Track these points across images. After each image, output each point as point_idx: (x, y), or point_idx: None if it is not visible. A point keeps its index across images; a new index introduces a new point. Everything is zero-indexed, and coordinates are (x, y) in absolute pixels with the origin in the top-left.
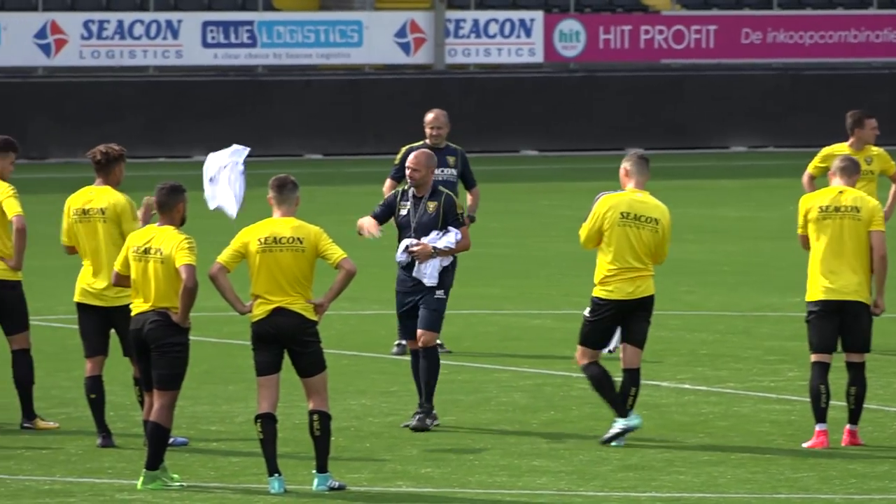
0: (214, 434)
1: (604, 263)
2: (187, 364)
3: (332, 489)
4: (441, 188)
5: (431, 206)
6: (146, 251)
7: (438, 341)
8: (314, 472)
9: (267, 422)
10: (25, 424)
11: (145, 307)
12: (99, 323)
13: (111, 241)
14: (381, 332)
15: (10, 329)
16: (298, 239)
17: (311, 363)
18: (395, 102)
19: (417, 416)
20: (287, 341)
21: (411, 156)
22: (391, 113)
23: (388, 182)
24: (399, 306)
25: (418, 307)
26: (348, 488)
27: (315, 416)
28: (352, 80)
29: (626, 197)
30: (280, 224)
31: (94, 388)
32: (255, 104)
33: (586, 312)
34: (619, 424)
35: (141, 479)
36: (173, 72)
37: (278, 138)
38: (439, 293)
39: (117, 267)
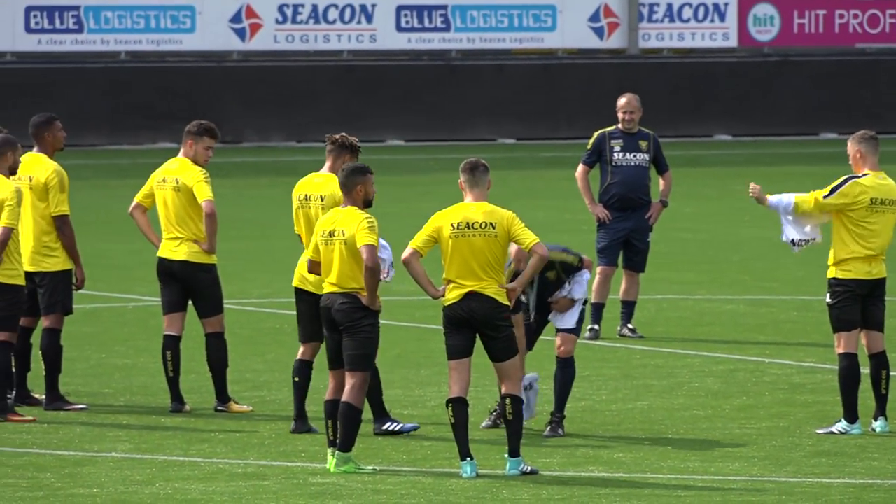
0: (407, 418)
1: (847, 244)
2: (377, 344)
3: (524, 473)
4: (554, 257)
5: (551, 274)
6: (331, 234)
7: (630, 326)
8: (506, 456)
9: (458, 406)
10: (219, 407)
11: (334, 288)
12: (313, 309)
13: None
14: None
15: (204, 312)
16: (491, 224)
17: (503, 348)
18: (588, 87)
19: (550, 427)
20: (480, 325)
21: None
22: (584, 97)
23: (580, 167)
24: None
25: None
26: (540, 473)
27: (508, 400)
28: (545, 65)
29: (873, 181)
30: (472, 208)
31: (300, 371)
32: (448, 88)
33: (828, 299)
34: (841, 426)
35: (332, 461)
36: (367, 56)
37: (470, 123)
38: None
39: (310, 254)
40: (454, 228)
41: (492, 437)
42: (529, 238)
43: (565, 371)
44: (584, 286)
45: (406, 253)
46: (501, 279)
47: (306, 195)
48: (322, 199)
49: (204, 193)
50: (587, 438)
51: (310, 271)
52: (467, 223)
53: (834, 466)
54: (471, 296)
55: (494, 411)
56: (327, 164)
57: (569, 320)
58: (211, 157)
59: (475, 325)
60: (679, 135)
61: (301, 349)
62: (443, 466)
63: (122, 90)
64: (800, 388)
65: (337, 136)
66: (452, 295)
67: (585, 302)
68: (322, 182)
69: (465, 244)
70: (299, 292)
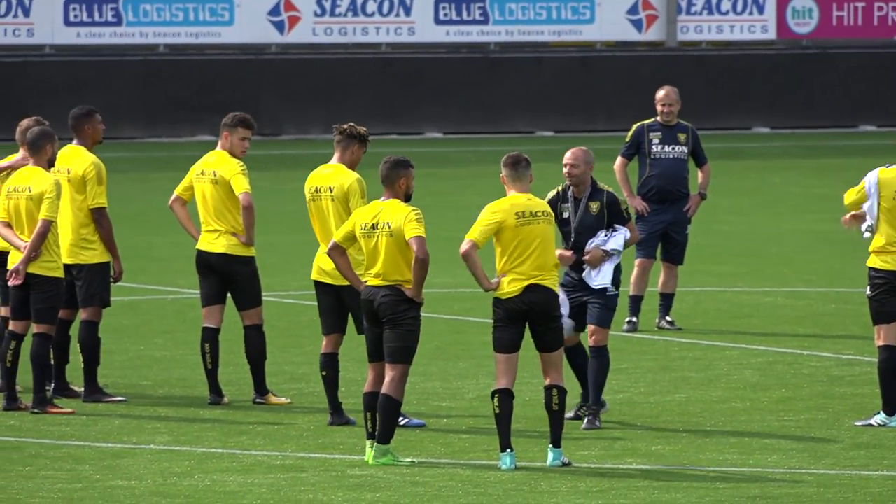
0: (445, 410)
1: (887, 235)
2: (418, 337)
3: (564, 465)
4: (601, 185)
5: (594, 206)
6: (374, 227)
7: (669, 318)
8: (549, 446)
9: (505, 397)
10: (257, 400)
11: (377, 281)
12: (333, 301)
13: (341, 220)
14: None
15: (243, 304)
16: (546, 213)
17: (554, 338)
18: (627, 79)
19: (587, 420)
20: (537, 317)
21: (568, 152)
22: (622, 90)
23: (619, 160)
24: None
25: (585, 305)
26: (580, 465)
27: (554, 391)
28: (583, 57)
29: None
30: (528, 199)
31: (328, 365)
32: (487, 81)
33: (867, 292)
34: (880, 419)
35: (370, 453)
36: (405, 49)
37: (509, 115)
38: (612, 290)
39: (338, 238)
40: (519, 217)
41: (528, 429)
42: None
43: (599, 360)
44: (621, 242)
45: (465, 246)
46: (554, 271)
47: (317, 187)
48: (332, 191)
49: (241, 186)
50: (625, 431)
51: (328, 252)
52: (531, 212)
53: (872, 459)
54: (531, 288)
55: (587, 416)
56: (336, 156)
57: (601, 278)
58: (247, 148)
59: (531, 318)
60: (717, 127)
61: (324, 342)
62: (481, 458)
63: (161, 83)
64: (838, 380)
65: (345, 127)
66: (512, 288)
67: (619, 270)
68: (331, 174)
69: (530, 232)
70: (319, 285)
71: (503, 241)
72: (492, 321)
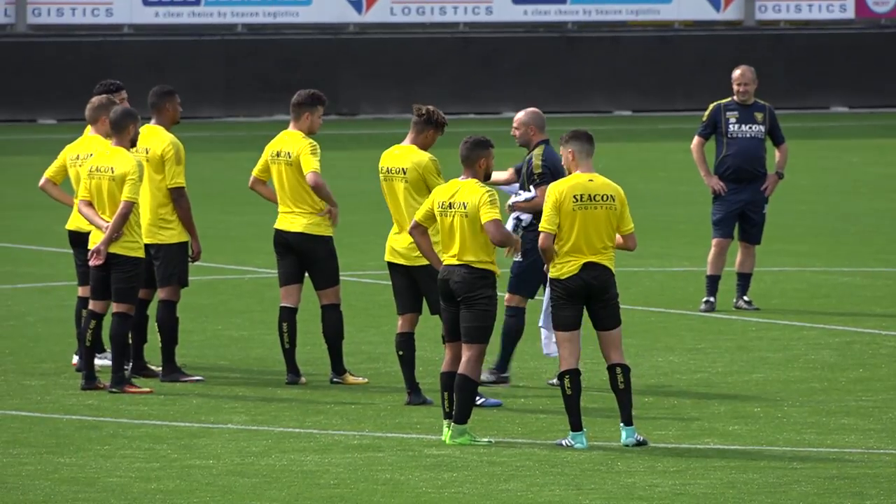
0: (522, 391)
1: None
2: (495, 317)
3: (639, 443)
4: (537, 150)
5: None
6: (450, 206)
7: (746, 298)
8: (621, 424)
9: (574, 377)
10: (335, 379)
11: (453, 260)
12: (407, 281)
13: (412, 201)
14: (689, 288)
15: (320, 284)
16: (611, 196)
17: (612, 315)
18: (705, 59)
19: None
20: (595, 295)
21: (518, 114)
22: (700, 69)
23: (696, 139)
24: None
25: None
26: (656, 445)
27: (618, 370)
28: (661, 37)
29: None
30: (592, 180)
31: (404, 345)
32: (564, 61)
33: None
34: None
35: (448, 432)
36: (483, 28)
37: (587, 95)
38: (516, 257)
39: (418, 217)
40: (577, 201)
41: (604, 409)
42: (631, 224)
43: (507, 320)
44: (518, 199)
45: (543, 241)
46: (612, 251)
47: (388, 168)
48: (404, 172)
49: (309, 164)
50: (702, 411)
51: (410, 232)
52: (589, 195)
53: None
54: (588, 266)
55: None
56: (410, 136)
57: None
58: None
59: (590, 295)
60: (795, 107)
61: (399, 322)
62: (558, 438)
63: (239, 62)
64: None
65: (426, 110)
66: (568, 268)
67: (525, 256)
68: (401, 154)
69: (586, 216)
70: (391, 266)
71: (561, 220)
72: (552, 302)
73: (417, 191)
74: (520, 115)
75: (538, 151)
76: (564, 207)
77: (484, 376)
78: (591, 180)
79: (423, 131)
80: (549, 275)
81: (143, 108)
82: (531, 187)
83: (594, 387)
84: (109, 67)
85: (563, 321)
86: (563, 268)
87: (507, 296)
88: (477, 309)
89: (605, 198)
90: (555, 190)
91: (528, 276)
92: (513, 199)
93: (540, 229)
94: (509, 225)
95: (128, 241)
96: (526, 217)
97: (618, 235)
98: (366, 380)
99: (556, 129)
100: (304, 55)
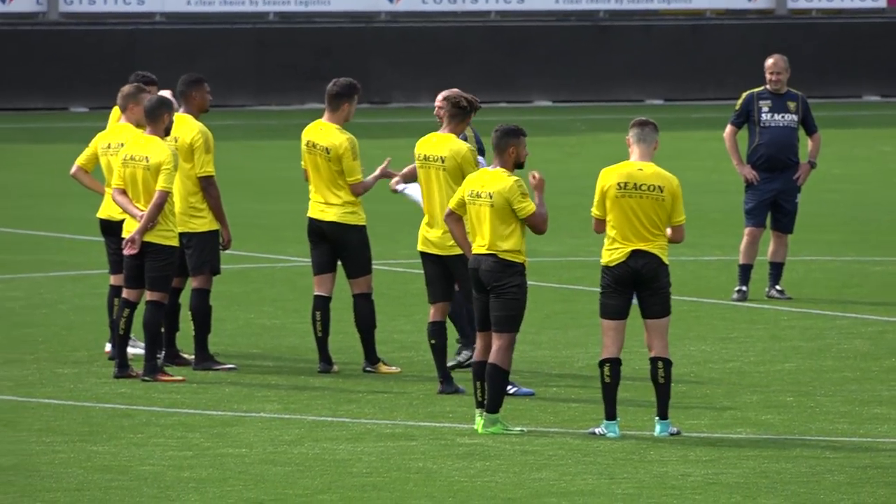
0: (554, 379)
1: None
2: (524, 305)
3: (671, 435)
4: (468, 129)
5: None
6: (478, 194)
7: (778, 287)
8: (655, 417)
9: (615, 366)
10: (367, 368)
11: (481, 249)
12: (439, 270)
13: (449, 190)
14: (721, 278)
15: (353, 272)
16: (659, 187)
17: (661, 303)
18: (736, 47)
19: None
20: (644, 283)
21: (441, 93)
22: (732, 58)
23: (728, 128)
24: None
25: None
26: (689, 434)
27: (659, 363)
28: (693, 25)
29: None
30: (640, 168)
31: (436, 333)
32: (596, 49)
33: None
34: None
35: (480, 422)
36: (515, 16)
37: (618, 83)
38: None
39: (451, 204)
40: (620, 188)
41: (637, 399)
42: (682, 216)
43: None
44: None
45: (596, 226)
46: (665, 238)
47: (426, 155)
48: (443, 161)
49: (354, 172)
50: (735, 400)
51: (445, 219)
52: (634, 184)
53: None
54: (636, 254)
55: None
56: (446, 126)
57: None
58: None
59: (638, 283)
60: (827, 95)
61: (431, 311)
62: (590, 427)
63: (270, 50)
64: None
65: (465, 101)
66: (616, 255)
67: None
68: (439, 142)
69: (630, 205)
70: (424, 255)
71: (607, 206)
72: (600, 289)
73: (455, 179)
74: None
75: (470, 133)
76: (609, 194)
77: (461, 357)
78: (640, 169)
79: (463, 120)
80: (601, 262)
81: (174, 96)
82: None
83: (625, 376)
84: (141, 56)
85: (609, 309)
86: (611, 255)
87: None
88: (506, 298)
89: (651, 188)
90: (602, 176)
91: None
92: (401, 188)
93: (591, 214)
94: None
95: (162, 230)
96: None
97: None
98: (398, 369)
99: (588, 118)
100: (336, 43)
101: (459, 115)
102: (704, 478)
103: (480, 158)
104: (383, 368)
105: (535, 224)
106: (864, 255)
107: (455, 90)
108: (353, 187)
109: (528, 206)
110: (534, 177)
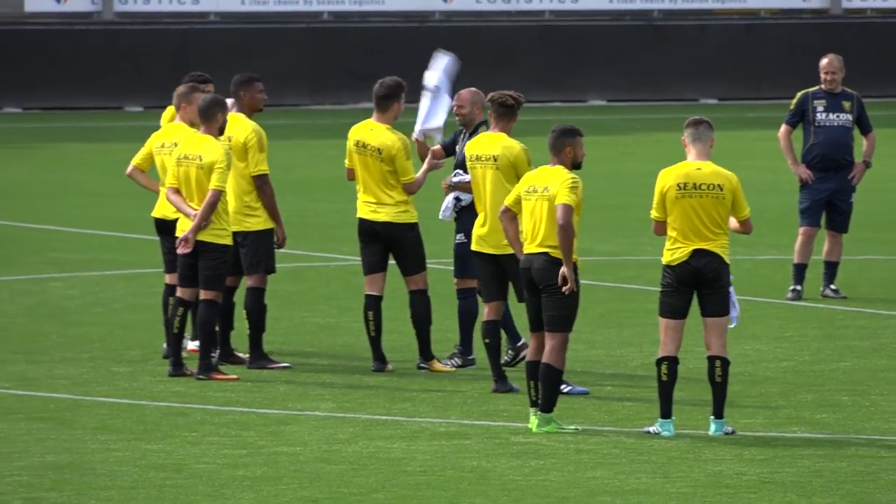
0: (609, 379)
1: None
2: (577, 305)
3: (726, 434)
4: (482, 128)
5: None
6: (534, 189)
7: (833, 287)
8: (711, 417)
9: (672, 364)
10: (422, 364)
11: (534, 247)
12: (494, 269)
13: (502, 188)
14: (776, 277)
15: (408, 270)
16: (718, 185)
17: (720, 303)
18: (791, 47)
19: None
20: (705, 282)
21: (457, 94)
22: (786, 57)
23: (783, 127)
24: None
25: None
26: (743, 434)
27: (717, 362)
28: (747, 25)
29: None
30: (699, 168)
31: (490, 333)
32: (650, 48)
33: None
34: None
35: (534, 421)
36: (569, 16)
37: (673, 83)
38: (458, 237)
39: (508, 201)
40: (679, 189)
41: (692, 398)
42: (747, 210)
43: (460, 303)
44: (465, 179)
45: (655, 228)
46: (727, 237)
47: (477, 155)
48: (495, 160)
49: (408, 171)
50: (790, 399)
51: (500, 216)
52: (694, 184)
53: None
54: (698, 253)
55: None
56: (495, 125)
57: (442, 213)
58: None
59: (700, 282)
60: (882, 95)
61: (486, 310)
62: (645, 426)
63: (324, 50)
64: None
65: (512, 98)
66: (678, 254)
67: (467, 236)
68: (490, 141)
69: (690, 205)
70: (478, 254)
71: (666, 207)
72: (659, 288)
73: (507, 177)
74: (465, 94)
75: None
76: (669, 195)
77: (452, 362)
78: (698, 168)
79: (512, 117)
80: (662, 261)
81: (227, 96)
82: None
83: (680, 375)
84: (195, 55)
85: (669, 308)
86: (673, 254)
87: (455, 280)
88: (559, 297)
89: (711, 187)
90: (660, 177)
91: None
92: (456, 178)
93: (650, 216)
94: (448, 203)
95: (216, 229)
96: (466, 197)
97: (734, 220)
98: (453, 368)
99: (642, 118)
100: (390, 43)
101: (508, 114)
102: (759, 477)
103: (461, 172)
104: (437, 366)
105: (560, 213)
106: None
107: (473, 90)
108: (407, 186)
109: (570, 198)
110: None
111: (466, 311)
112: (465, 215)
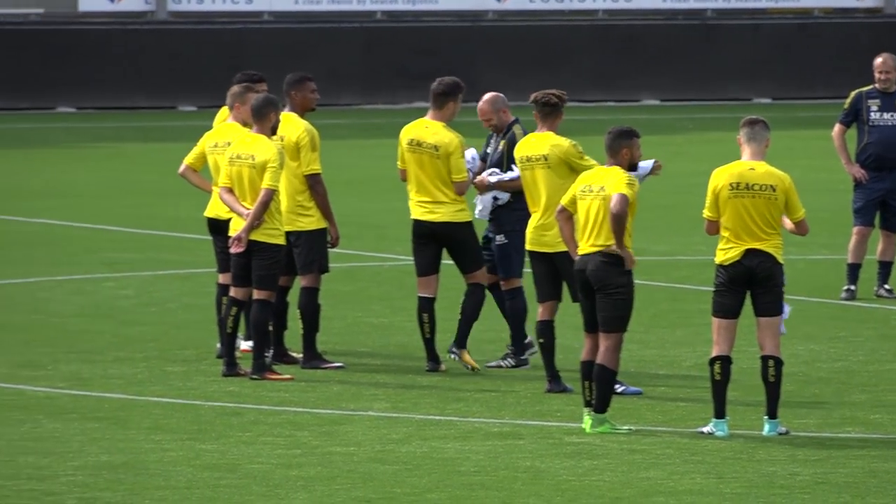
0: (661, 379)
1: None
2: (632, 306)
3: (780, 434)
4: (516, 128)
5: (501, 144)
6: (590, 189)
7: (887, 287)
8: (764, 417)
9: (725, 364)
10: (452, 350)
11: (588, 248)
12: (548, 269)
13: (555, 186)
14: (830, 276)
15: (467, 267)
16: (771, 186)
17: (773, 301)
18: (844, 46)
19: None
20: (759, 282)
21: (478, 109)
22: (840, 57)
23: (837, 127)
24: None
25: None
26: (797, 434)
27: (770, 362)
28: (801, 24)
29: None
30: (752, 168)
31: (544, 332)
32: (703, 48)
33: None
34: None
35: (588, 421)
36: (623, 15)
37: (726, 82)
38: (498, 238)
39: (564, 201)
40: (732, 189)
41: (746, 398)
42: (801, 212)
43: (512, 302)
44: (503, 178)
45: (705, 226)
46: (779, 237)
47: (528, 156)
48: (546, 159)
49: (461, 170)
50: (843, 399)
51: (557, 216)
52: (746, 184)
53: None
54: (751, 253)
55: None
56: (541, 125)
57: (479, 213)
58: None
59: (752, 282)
60: None
61: (540, 309)
62: (699, 426)
63: (378, 50)
64: None
65: (556, 97)
66: (731, 254)
67: (507, 237)
68: (538, 141)
69: (743, 205)
70: (533, 254)
71: (719, 207)
72: (712, 288)
73: (559, 174)
74: (484, 107)
75: (519, 132)
76: (721, 195)
77: (506, 363)
78: (751, 169)
79: (557, 116)
80: (715, 260)
81: (281, 95)
82: (513, 166)
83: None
84: (248, 55)
85: (722, 308)
86: (725, 254)
87: (502, 282)
88: (613, 298)
89: (763, 187)
90: (714, 177)
91: (514, 255)
92: (496, 177)
93: (703, 216)
94: (487, 203)
95: (269, 228)
96: (503, 196)
97: (789, 221)
98: (477, 367)
99: (695, 117)
100: (443, 42)
101: (553, 112)
102: (813, 477)
103: (496, 171)
104: (466, 357)
105: (615, 201)
106: None
107: (491, 96)
108: (459, 185)
109: (625, 189)
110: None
111: (516, 311)
112: (504, 215)
